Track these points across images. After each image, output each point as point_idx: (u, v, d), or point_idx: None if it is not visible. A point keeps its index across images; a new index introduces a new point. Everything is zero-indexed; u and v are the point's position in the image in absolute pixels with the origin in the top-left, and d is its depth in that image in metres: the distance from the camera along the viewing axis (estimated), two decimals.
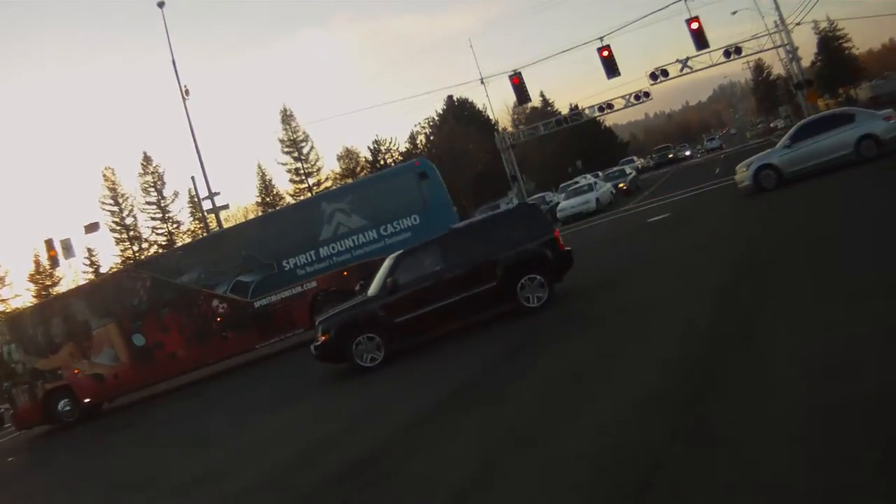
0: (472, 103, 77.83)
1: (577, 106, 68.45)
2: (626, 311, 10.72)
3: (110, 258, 67.01)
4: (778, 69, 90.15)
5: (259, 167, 73.13)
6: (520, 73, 42.83)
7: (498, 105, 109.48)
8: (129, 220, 66.65)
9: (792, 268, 10.04)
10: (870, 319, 6.60)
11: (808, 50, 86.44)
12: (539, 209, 14.33)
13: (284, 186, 72.99)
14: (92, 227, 38.68)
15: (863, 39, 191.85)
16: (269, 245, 19.90)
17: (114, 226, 65.55)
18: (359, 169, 74.22)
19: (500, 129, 68.22)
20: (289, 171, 71.54)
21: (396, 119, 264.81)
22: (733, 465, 4.82)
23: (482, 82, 60.68)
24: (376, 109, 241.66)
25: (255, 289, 19.70)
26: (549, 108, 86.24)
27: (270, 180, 72.09)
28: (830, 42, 79.35)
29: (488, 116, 74.09)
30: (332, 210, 19.92)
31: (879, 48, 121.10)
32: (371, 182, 25.52)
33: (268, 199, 70.97)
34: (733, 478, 4.65)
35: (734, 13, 55.02)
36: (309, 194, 70.72)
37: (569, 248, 13.19)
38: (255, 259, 19.89)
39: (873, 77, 78.36)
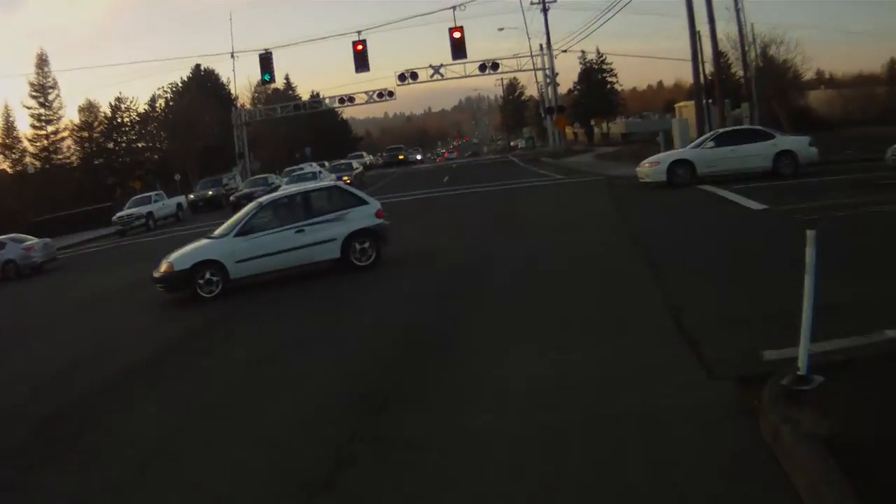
0: (217, 75, 75.27)
1: (318, 94, 69.17)
2: None
3: None
4: (533, 91, 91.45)
5: (6, 108, 67.88)
6: (270, 53, 42.27)
7: (242, 81, 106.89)
8: None
9: None
10: None
11: (569, 77, 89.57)
12: None
13: (28, 130, 69.03)
14: None
15: (631, 78, 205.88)
16: None
17: None
18: (96, 124, 70.76)
19: (238, 104, 66.95)
20: (32, 115, 68.09)
21: (148, 80, 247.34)
22: None
23: (232, 56, 60.23)
24: (128, 67, 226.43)
25: None
26: (290, 92, 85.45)
27: (13, 122, 68.09)
28: (595, 73, 78.18)
29: (230, 91, 72.58)
30: None
31: (645, 88, 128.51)
32: None
33: (7, 142, 67.22)
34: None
35: (501, 29, 58.18)
36: (45, 142, 68.09)
37: None
38: None
39: (633, 114, 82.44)
